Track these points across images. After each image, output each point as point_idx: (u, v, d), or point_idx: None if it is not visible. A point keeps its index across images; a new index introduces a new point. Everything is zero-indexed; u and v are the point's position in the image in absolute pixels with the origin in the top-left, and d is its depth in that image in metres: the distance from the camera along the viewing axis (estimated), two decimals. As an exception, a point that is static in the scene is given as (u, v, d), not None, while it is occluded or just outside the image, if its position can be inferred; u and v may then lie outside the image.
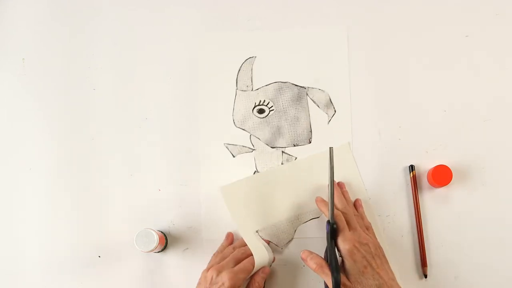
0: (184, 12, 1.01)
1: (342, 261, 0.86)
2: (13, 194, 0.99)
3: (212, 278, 0.86)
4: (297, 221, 0.97)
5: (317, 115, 0.99)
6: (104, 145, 1.00)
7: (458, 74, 0.99)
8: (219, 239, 0.97)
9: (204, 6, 1.01)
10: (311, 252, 0.88)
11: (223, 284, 0.85)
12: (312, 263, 0.86)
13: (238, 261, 0.90)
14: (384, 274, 0.84)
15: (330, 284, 0.82)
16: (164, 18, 1.02)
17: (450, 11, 1.00)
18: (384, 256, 0.87)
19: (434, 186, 0.96)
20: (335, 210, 0.88)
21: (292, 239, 0.97)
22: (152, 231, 0.90)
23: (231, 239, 0.96)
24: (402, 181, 0.98)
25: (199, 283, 0.89)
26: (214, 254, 0.94)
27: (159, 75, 1.01)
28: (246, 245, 0.92)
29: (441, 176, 0.94)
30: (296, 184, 0.97)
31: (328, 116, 0.99)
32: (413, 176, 0.96)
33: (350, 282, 0.83)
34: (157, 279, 0.97)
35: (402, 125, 0.99)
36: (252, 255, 0.90)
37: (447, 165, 0.95)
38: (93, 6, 1.02)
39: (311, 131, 0.99)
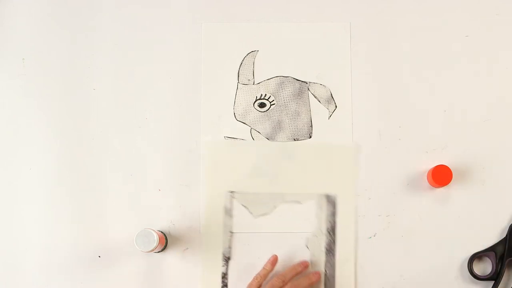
0: (186, 10, 1.01)
1: None
2: (13, 194, 0.99)
3: None
4: (280, 198, 0.97)
5: (318, 110, 0.99)
6: (104, 145, 1.00)
7: (458, 74, 0.99)
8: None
9: (206, 1, 1.01)
10: None
11: None
12: None
13: None
14: None
15: None
16: (165, 16, 1.01)
17: (450, 11, 1.00)
18: None
19: (434, 186, 0.96)
20: None
21: (268, 213, 0.97)
22: (152, 231, 0.90)
23: (275, 265, 0.94)
24: (402, 181, 0.97)
25: None
26: (255, 277, 0.92)
27: (159, 74, 1.01)
28: (295, 275, 0.93)
29: (441, 176, 0.94)
30: (290, 165, 0.98)
31: (329, 111, 0.99)
32: None
33: None
34: (157, 279, 0.97)
35: (402, 125, 0.99)
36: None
37: (447, 165, 0.94)
38: (93, 6, 1.02)
39: (311, 126, 0.99)
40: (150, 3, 1.02)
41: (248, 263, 0.96)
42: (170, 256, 0.97)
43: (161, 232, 0.96)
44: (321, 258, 0.96)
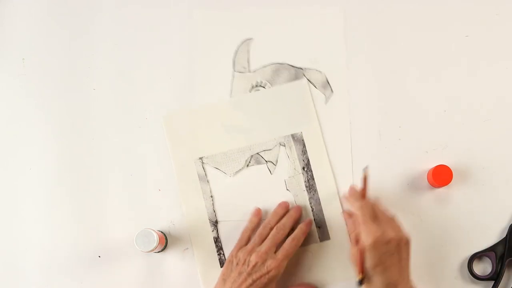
0: (186, 10, 1.01)
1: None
2: (13, 194, 0.99)
3: (255, 265, 0.88)
4: (248, 151, 0.98)
5: (314, 96, 0.99)
6: (104, 145, 1.00)
7: (458, 74, 0.99)
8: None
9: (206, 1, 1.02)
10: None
11: (268, 272, 0.87)
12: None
13: (278, 242, 0.91)
14: (396, 273, 0.83)
15: None
16: (165, 14, 1.01)
17: (450, 11, 1.00)
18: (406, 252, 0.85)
19: (434, 186, 0.96)
20: (358, 202, 0.88)
21: (242, 169, 0.98)
22: (152, 231, 0.91)
23: (260, 215, 0.96)
24: (402, 181, 0.97)
25: (236, 264, 0.89)
26: (244, 231, 0.94)
27: (159, 74, 1.01)
28: (281, 220, 0.94)
29: (441, 176, 0.94)
30: (252, 115, 0.99)
31: (326, 96, 0.99)
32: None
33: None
34: (157, 279, 0.97)
35: (402, 125, 0.99)
36: (289, 233, 0.93)
37: (447, 165, 0.95)
38: (93, 6, 1.02)
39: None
40: (150, 3, 1.02)
41: (235, 222, 0.96)
42: (170, 256, 0.97)
43: (161, 232, 0.96)
44: (304, 196, 0.97)
